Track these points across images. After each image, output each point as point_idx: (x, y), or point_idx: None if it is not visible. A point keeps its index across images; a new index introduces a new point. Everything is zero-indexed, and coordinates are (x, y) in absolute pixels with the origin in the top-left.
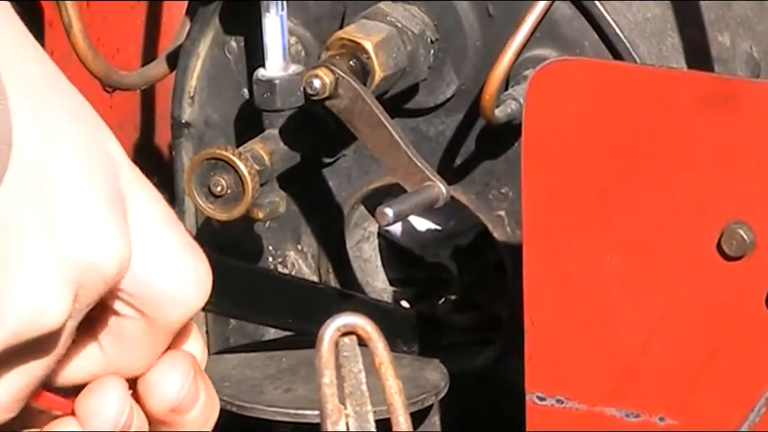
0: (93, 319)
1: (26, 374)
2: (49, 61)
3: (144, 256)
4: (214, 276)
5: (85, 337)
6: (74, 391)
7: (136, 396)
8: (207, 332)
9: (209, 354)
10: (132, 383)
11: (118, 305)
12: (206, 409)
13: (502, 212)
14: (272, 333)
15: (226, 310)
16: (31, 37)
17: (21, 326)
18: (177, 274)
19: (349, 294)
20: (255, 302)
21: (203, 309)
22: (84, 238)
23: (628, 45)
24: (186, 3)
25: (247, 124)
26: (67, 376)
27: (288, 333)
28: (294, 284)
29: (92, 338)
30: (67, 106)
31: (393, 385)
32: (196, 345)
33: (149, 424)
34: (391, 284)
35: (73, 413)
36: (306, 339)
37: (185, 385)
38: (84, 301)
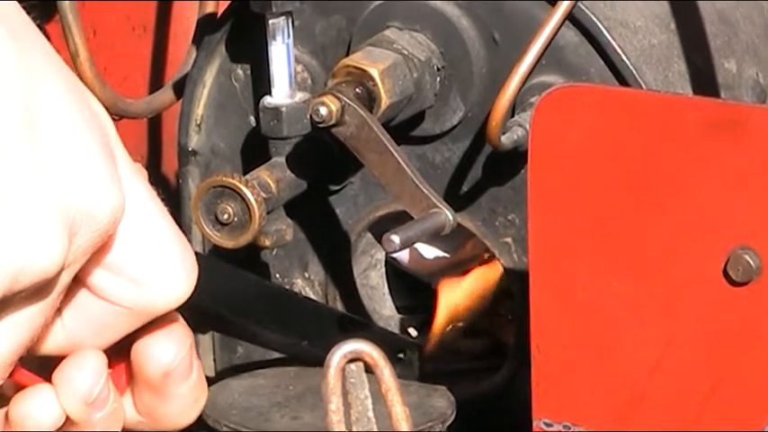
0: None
1: (21, 329)
2: (31, 22)
3: (131, 230)
4: (221, 281)
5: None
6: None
7: (129, 364)
8: (214, 360)
9: (215, 380)
10: (127, 351)
11: (95, 281)
12: (196, 388)
13: (508, 239)
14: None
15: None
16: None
17: (18, 267)
18: (164, 257)
19: (352, 319)
20: (256, 312)
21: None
22: (78, 183)
23: (634, 71)
24: (192, 31)
25: (254, 152)
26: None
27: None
28: (298, 301)
29: (56, 313)
30: (50, 53)
31: (400, 412)
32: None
33: (140, 393)
34: (398, 312)
35: (50, 381)
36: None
37: (182, 351)
38: (78, 250)
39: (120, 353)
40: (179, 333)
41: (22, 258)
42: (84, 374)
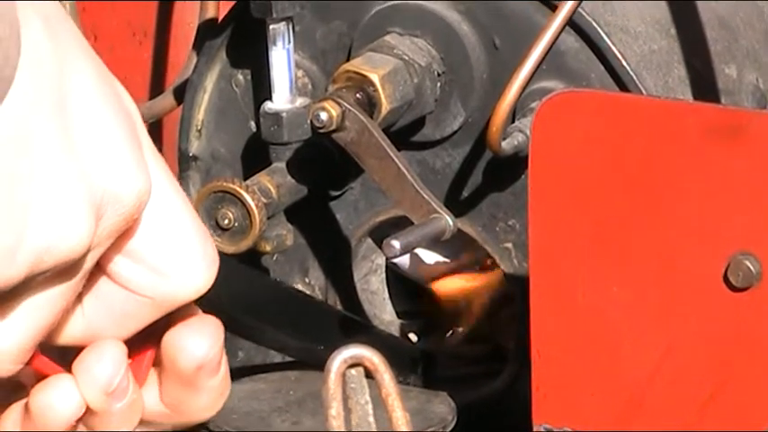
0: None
1: (42, 311)
2: (61, 7)
3: (154, 219)
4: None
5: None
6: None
7: (158, 358)
8: None
9: None
10: (146, 342)
11: (116, 270)
12: (222, 383)
13: (509, 244)
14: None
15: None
16: None
17: (44, 246)
18: (186, 249)
19: (354, 321)
20: (258, 309)
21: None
22: (106, 166)
23: (634, 77)
24: (193, 36)
25: (254, 157)
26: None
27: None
28: (301, 300)
29: (76, 302)
30: (80, 40)
31: (400, 417)
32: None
33: (169, 385)
34: (398, 317)
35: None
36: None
37: (215, 345)
38: (103, 233)
39: (139, 344)
40: (212, 326)
41: (49, 238)
42: (104, 364)
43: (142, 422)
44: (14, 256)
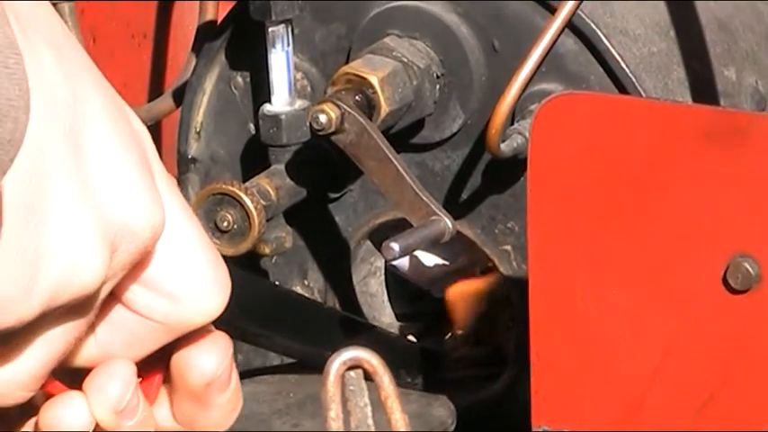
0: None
1: (55, 343)
2: (71, 35)
3: (168, 248)
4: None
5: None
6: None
7: (168, 376)
8: None
9: None
10: (157, 362)
11: (129, 297)
12: (233, 398)
13: (508, 247)
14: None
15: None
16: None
17: (58, 283)
18: (199, 276)
19: (354, 320)
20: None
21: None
22: (119, 198)
23: (633, 79)
24: (192, 39)
25: (253, 159)
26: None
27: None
28: (299, 301)
29: (89, 329)
30: (91, 68)
31: (399, 420)
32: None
33: (180, 402)
34: (398, 319)
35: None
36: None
37: (225, 361)
38: (117, 265)
39: (150, 362)
40: (221, 343)
41: (64, 275)
42: (115, 383)
43: None
44: (29, 295)
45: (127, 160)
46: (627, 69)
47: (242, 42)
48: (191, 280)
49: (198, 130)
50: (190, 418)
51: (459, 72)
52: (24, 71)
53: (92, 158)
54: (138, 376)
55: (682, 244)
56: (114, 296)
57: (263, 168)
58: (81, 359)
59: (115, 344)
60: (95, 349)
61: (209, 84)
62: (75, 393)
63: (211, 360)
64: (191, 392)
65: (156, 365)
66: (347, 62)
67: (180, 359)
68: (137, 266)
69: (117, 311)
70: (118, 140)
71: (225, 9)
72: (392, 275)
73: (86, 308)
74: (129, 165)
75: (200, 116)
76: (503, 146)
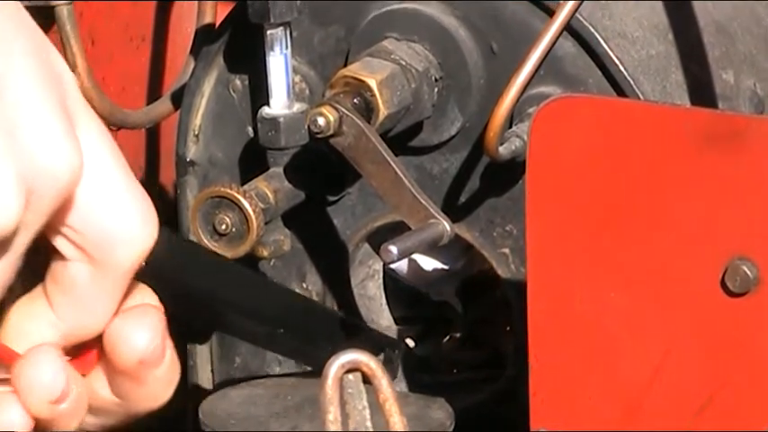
0: (41, 279)
1: None
2: None
3: (90, 188)
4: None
5: (36, 297)
6: None
7: (101, 350)
8: (212, 371)
9: (214, 391)
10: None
11: (64, 247)
12: (170, 370)
13: (506, 250)
14: (277, 372)
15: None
16: None
17: None
18: (124, 211)
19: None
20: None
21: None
22: (36, 142)
23: (631, 82)
24: (190, 41)
25: (252, 162)
26: (23, 345)
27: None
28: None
29: (41, 297)
30: (15, 10)
31: (398, 422)
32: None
33: (114, 378)
34: (396, 322)
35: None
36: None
37: (156, 337)
38: (36, 209)
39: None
40: (150, 317)
41: None
42: (44, 376)
43: (97, 412)
44: None
45: (45, 104)
46: (625, 72)
47: (240, 45)
48: (117, 217)
49: (196, 132)
50: (124, 392)
51: (458, 75)
52: None
53: (9, 102)
54: (74, 353)
55: (680, 247)
56: (58, 256)
57: (261, 171)
58: (51, 338)
59: (72, 310)
60: (62, 326)
61: (207, 87)
62: (6, 396)
63: (143, 336)
64: (122, 370)
65: (92, 341)
66: (345, 65)
67: (110, 335)
68: (63, 212)
69: (58, 268)
70: (37, 84)
71: (223, 12)
72: (390, 278)
73: (7, 252)
74: (48, 108)
75: (198, 119)
76: (501, 149)
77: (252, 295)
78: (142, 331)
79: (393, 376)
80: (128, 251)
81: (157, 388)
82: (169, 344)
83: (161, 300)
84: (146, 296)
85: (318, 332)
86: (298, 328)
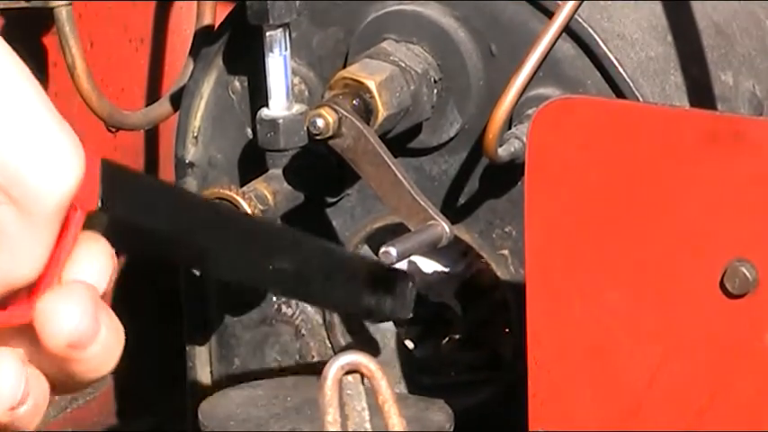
0: None
1: None
2: None
3: (3, 122)
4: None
5: None
6: None
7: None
8: (211, 372)
9: (213, 391)
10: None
11: None
12: (108, 342)
13: (505, 251)
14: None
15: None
16: None
17: None
18: (43, 145)
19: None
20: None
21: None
22: None
23: (630, 84)
24: (190, 43)
25: (251, 164)
26: None
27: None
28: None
29: None
30: None
31: (397, 424)
32: (94, 269)
33: (49, 360)
34: (395, 324)
35: None
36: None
37: (83, 318)
38: None
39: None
40: (77, 296)
41: None
42: (2, 385)
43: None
44: None
45: None
46: (624, 74)
47: (239, 46)
48: (35, 152)
49: (195, 134)
50: (64, 369)
51: (457, 76)
52: None
53: None
54: (5, 303)
55: (679, 248)
56: None
57: (260, 173)
58: None
59: (5, 258)
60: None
61: (206, 88)
62: None
63: (68, 319)
64: (53, 354)
65: (24, 290)
66: (345, 66)
67: (37, 318)
68: None
69: None
70: None
71: (222, 13)
72: None
73: None
74: None
75: (197, 121)
76: (500, 150)
77: (220, 227)
78: (68, 312)
79: (407, 313)
80: (51, 188)
81: (96, 362)
82: (105, 313)
83: (117, 243)
84: (92, 244)
85: (313, 267)
86: (285, 260)
